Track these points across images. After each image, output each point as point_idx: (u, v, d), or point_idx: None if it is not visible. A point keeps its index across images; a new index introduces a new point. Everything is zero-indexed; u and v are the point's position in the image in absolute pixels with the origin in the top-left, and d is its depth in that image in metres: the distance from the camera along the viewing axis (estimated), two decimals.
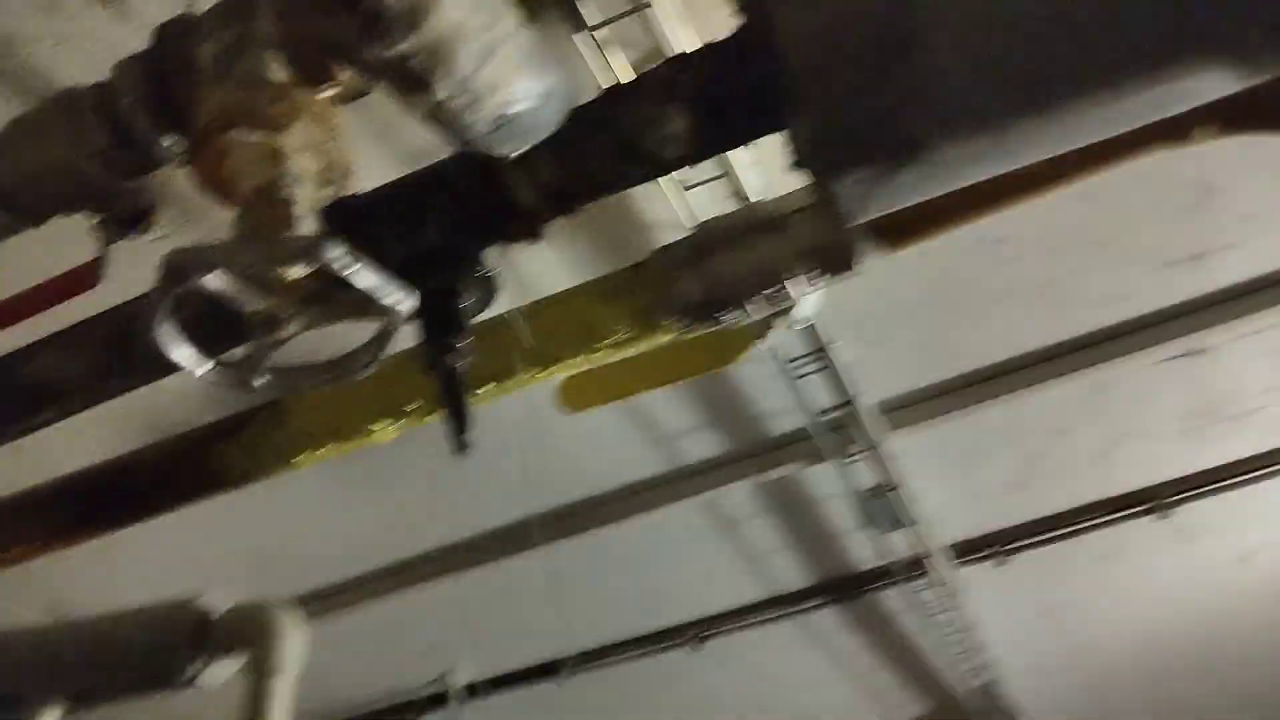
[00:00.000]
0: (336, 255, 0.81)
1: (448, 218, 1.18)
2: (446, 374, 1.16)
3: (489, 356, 1.21)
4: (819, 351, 2.26)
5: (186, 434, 1.52)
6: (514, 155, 0.96)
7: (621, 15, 1.64)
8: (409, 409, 1.43)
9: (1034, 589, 3.75)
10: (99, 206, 1.15)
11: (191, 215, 1.90)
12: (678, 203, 1.89)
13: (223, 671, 1.74)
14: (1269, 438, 3.00)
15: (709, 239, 1.29)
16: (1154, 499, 3.19)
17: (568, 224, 1.24)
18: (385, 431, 1.46)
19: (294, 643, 1.69)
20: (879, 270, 2.04)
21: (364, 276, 0.84)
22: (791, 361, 2.34)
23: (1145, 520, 3.27)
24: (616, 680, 3.95)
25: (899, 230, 1.28)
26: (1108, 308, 2.39)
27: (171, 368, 1.32)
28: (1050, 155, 1.02)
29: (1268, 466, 3.09)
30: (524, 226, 1.18)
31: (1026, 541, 3.36)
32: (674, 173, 1.30)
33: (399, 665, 3.70)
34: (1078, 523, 3.32)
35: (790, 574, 3.52)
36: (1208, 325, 2.42)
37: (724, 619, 3.71)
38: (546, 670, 3.84)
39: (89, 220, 1.17)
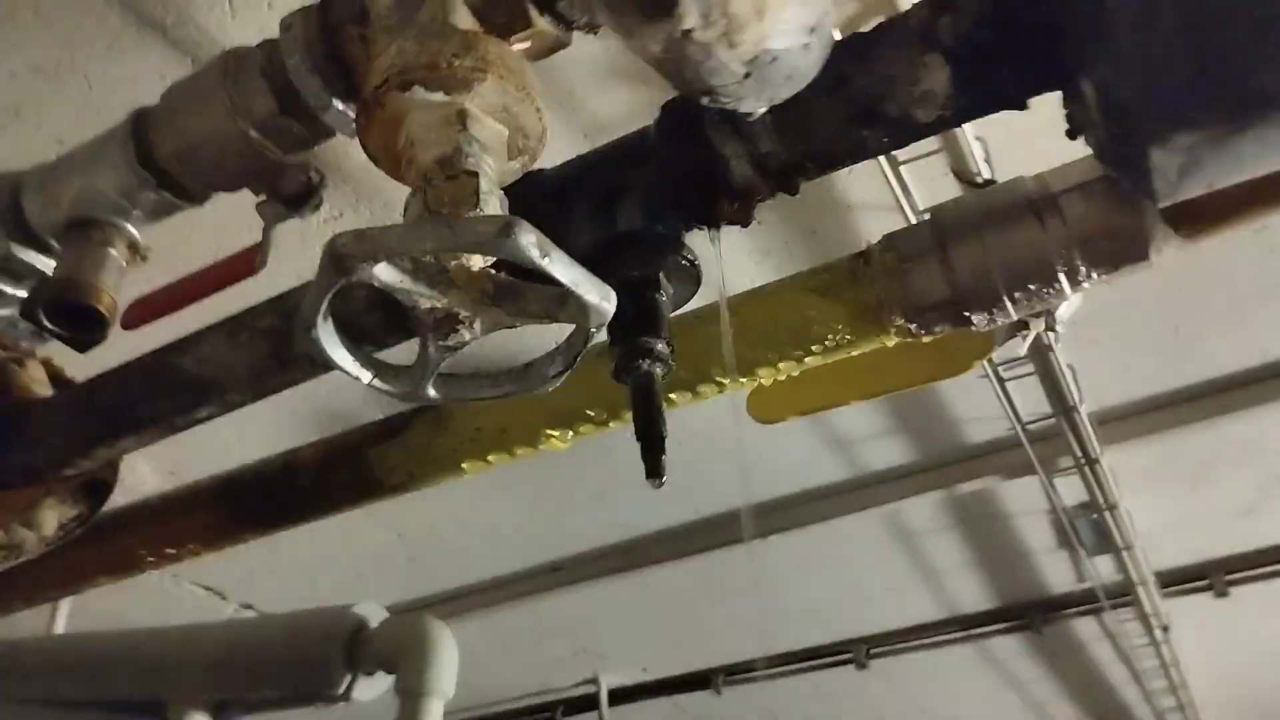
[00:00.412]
0: (530, 241, 0.63)
1: (650, 196, 0.99)
2: (642, 383, 0.98)
3: (682, 360, 1.02)
4: (1036, 354, 1.98)
5: (348, 434, 1.40)
6: (759, 112, 0.76)
7: None
8: (591, 415, 1.26)
9: (1254, 627, 3.33)
10: (263, 183, 1.02)
11: (366, 193, 1.80)
12: (888, 179, 1.65)
13: (376, 687, 1.63)
14: None
15: (956, 223, 1.07)
16: None
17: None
18: (562, 440, 1.30)
19: (449, 662, 1.56)
20: None
21: (562, 268, 0.66)
22: (1003, 362, 2.07)
23: None
24: (773, 695, 3.74)
25: (1202, 215, 1.02)
26: None
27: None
28: None
29: None
30: (739, 207, 0.99)
31: (1253, 572, 2.96)
32: None
33: (550, 664, 3.61)
34: None
35: (971, 594, 3.23)
36: None
37: (894, 636, 3.45)
38: (699, 681, 3.68)
39: (255, 198, 1.05)
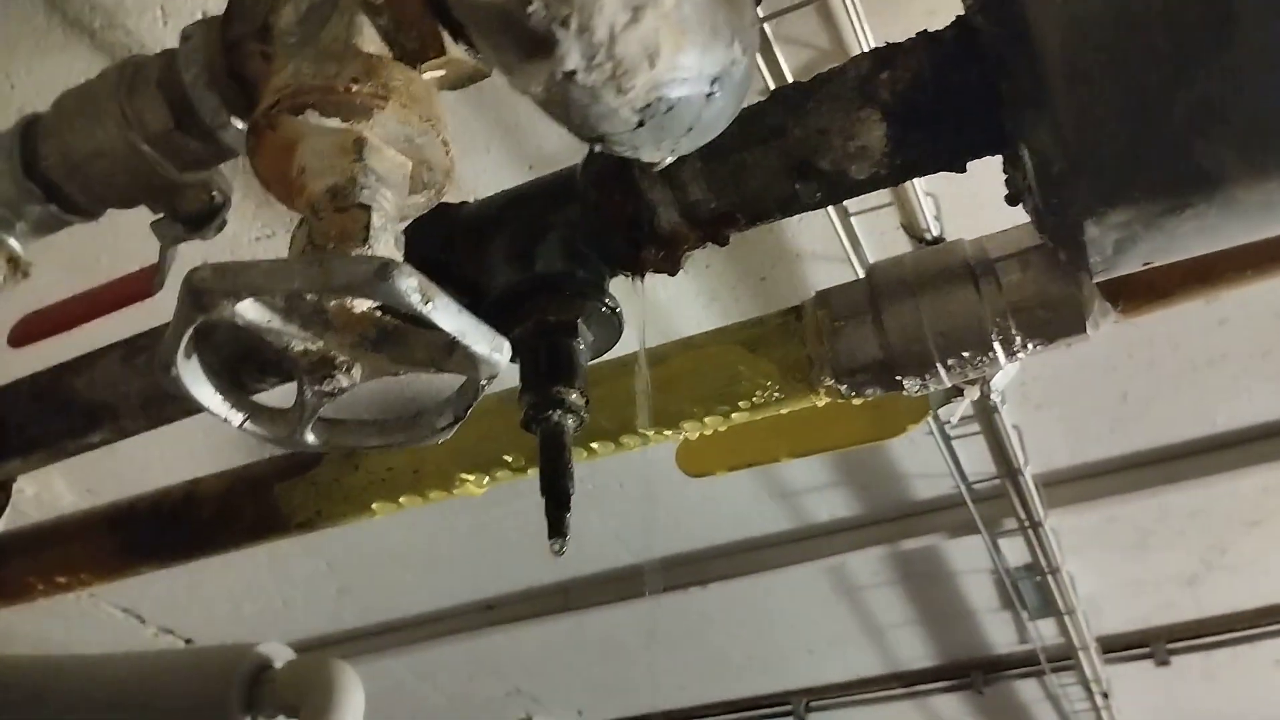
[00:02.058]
0: (411, 286, 0.58)
1: (573, 238, 0.94)
2: (551, 434, 0.92)
3: (600, 408, 0.96)
4: (983, 414, 1.95)
5: (253, 466, 1.33)
6: (663, 163, 0.71)
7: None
8: (508, 461, 1.20)
9: (1195, 696, 3.31)
10: (159, 201, 0.96)
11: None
12: (838, 231, 1.61)
13: None
14: None
15: (891, 283, 1.02)
16: None
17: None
18: (477, 484, 1.24)
19: (354, 709, 1.49)
20: None
21: (447, 316, 0.61)
22: (949, 422, 2.03)
23: None
24: None
25: (1141, 291, 0.99)
26: None
27: (238, 390, 1.13)
28: None
29: None
30: (664, 255, 0.94)
31: (1195, 642, 2.94)
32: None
33: (482, 704, 3.51)
34: (1256, 625, 2.89)
35: (914, 650, 3.19)
36: None
37: (835, 690, 3.39)
38: None
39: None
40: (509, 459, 1.20)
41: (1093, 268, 0.81)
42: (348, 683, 1.50)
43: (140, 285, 1.02)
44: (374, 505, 1.26)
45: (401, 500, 1.26)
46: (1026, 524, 2.26)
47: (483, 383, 0.70)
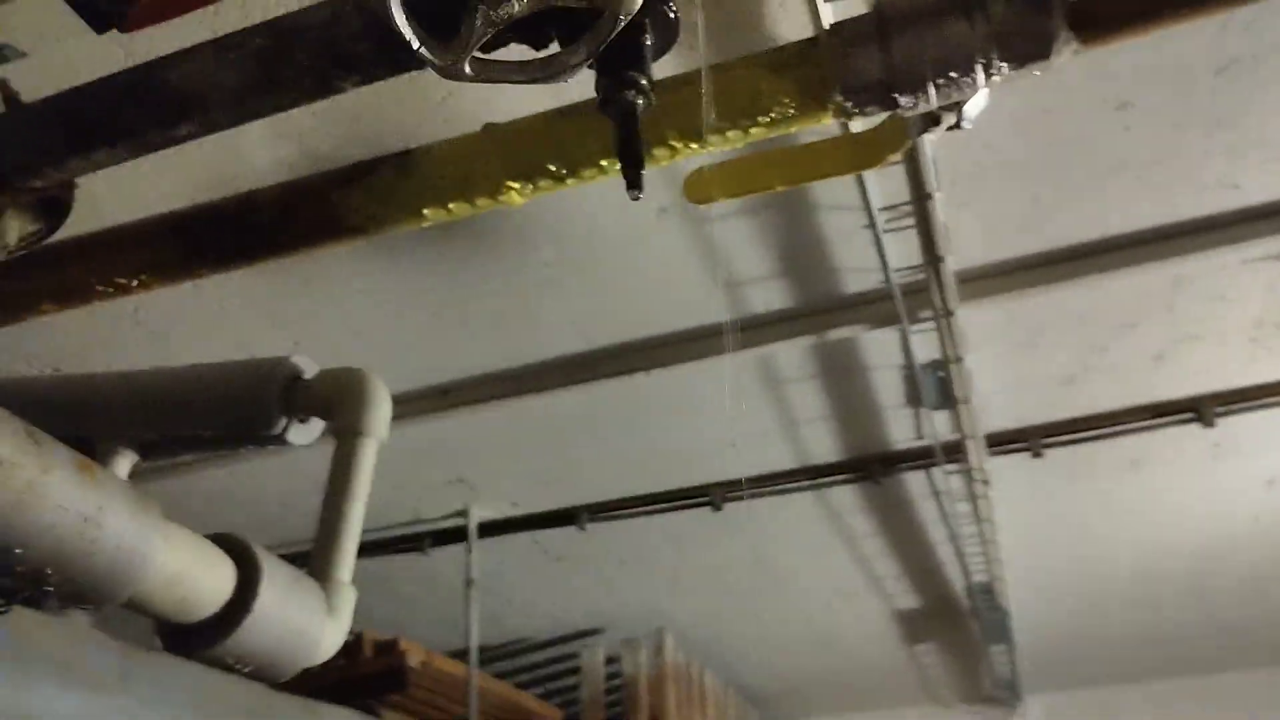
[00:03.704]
0: None
1: None
2: (626, 110, 1.11)
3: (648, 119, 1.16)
4: (917, 201, 2.22)
5: (310, 178, 1.48)
6: None
7: None
8: (552, 170, 1.38)
9: (1060, 488, 3.80)
10: None
11: None
12: None
13: (312, 430, 1.74)
14: None
15: (895, 15, 1.24)
16: (1201, 409, 3.20)
17: None
18: (520, 194, 1.42)
19: (384, 407, 1.69)
20: (988, 124, 1.98)
21: None
22: (883, 210, 2.30)
23: (1186, 430, 3.29)
24: (635, 533, 4.02)
25: (1101, 22, 1.22)
26: (1214, 195, 2.33)
27: (322, 91, 1.28)
28: None
29: None
30: None
31: (1064, 438, 3.38)
32: None
33: (423, 492, 3.74)
34: (1118, 425, 3.34)
35: (821, 446, 3.55)
36: None
37: (750, 483, 3.75)
38: (566, 517, 3.90)
39: None
40: (552, 168, 1.39)
41: None
42: (376, 384, 1.70)
43: None
44: (425, 211, 1.44)
45: (450, 206, 1.43)
46: (942, 313, 2.57)
47: (621, 17, 0.89)
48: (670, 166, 1.48)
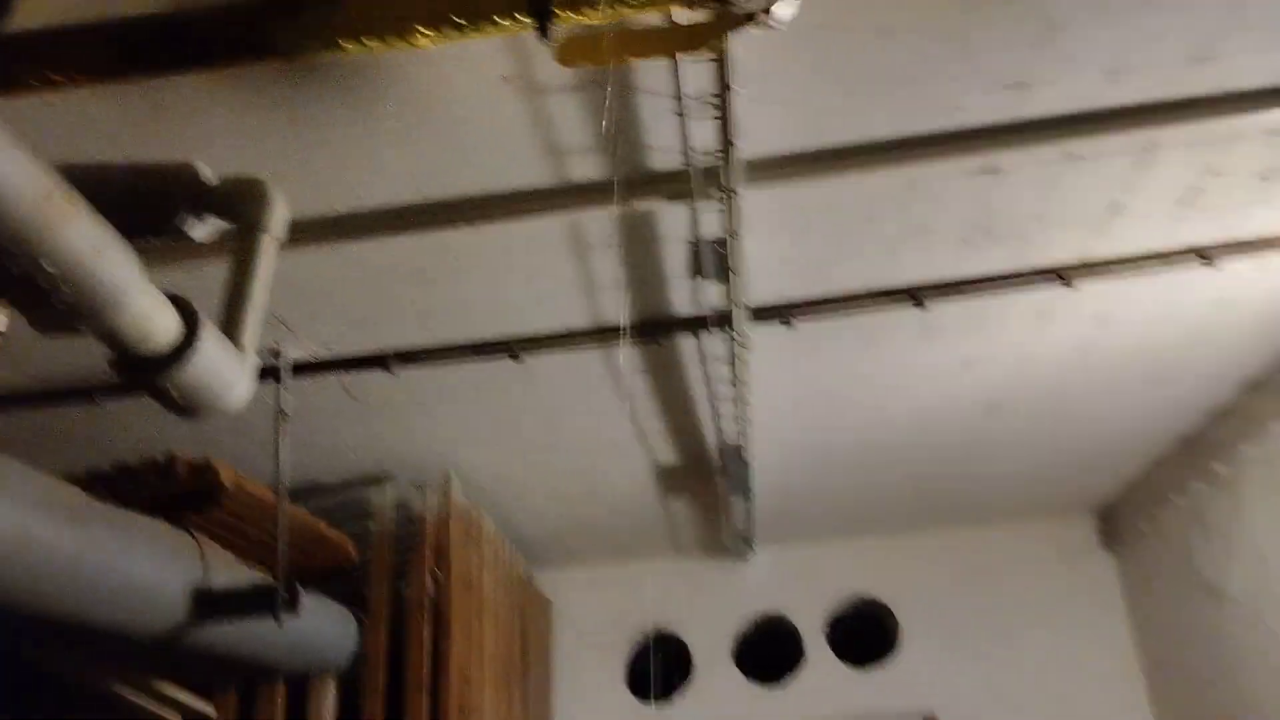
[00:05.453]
0: None
1: None
2: None
3: None
4: (721, 93, 2.69)
5: (243, 2, 1.74)
6: None
7: None
8: (456, 20, 1.73)
9: (805, 358, 4.51)
10: None
11: None
12: None
13: (209, 228, 2.01)
14: (1016, 260, 3.80)
15: None
16: (919, 295, 3.94)
17: None
18: (426, 37, 1.75)
19: (283, 211, 1.99)
20: (794, 34, 2.45)
21: None
22: (692, 98, 2.76)
23: (906, 312, 4.04)
24: (435, 380, 4.39)
25: None
26: (946, 114, 2.96)
27: None
28: None
29: (1005, 286, 3.91)
30: None
31: (811, 312, 4.04)
32: None
33: None
34: (853, 305, 4.04)
35: (616, 309, 4.04)
36: (1006, 148, 3.06)
37: (546, 340, 4.20)
38: (376, 360, 4.21)
39: None
40: (458, 19, 1.73)
41: None
42: (275, 192, 1.99)
43: None
44: (345, 44, 1.75)
45: (370, 45, 1.74)
46: (728, 192, 3.09)
47: None
48: (514, 40, 1.84)
